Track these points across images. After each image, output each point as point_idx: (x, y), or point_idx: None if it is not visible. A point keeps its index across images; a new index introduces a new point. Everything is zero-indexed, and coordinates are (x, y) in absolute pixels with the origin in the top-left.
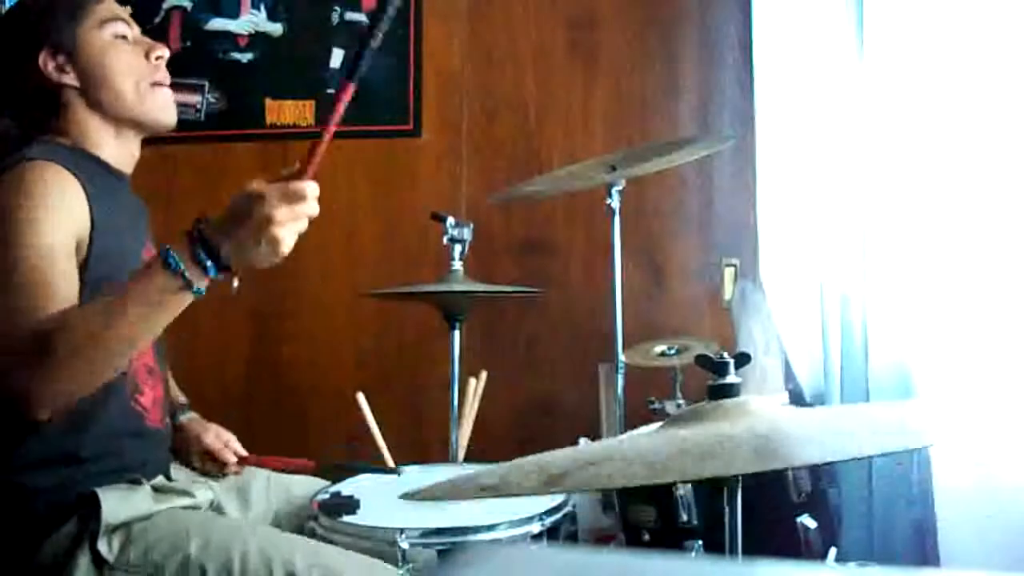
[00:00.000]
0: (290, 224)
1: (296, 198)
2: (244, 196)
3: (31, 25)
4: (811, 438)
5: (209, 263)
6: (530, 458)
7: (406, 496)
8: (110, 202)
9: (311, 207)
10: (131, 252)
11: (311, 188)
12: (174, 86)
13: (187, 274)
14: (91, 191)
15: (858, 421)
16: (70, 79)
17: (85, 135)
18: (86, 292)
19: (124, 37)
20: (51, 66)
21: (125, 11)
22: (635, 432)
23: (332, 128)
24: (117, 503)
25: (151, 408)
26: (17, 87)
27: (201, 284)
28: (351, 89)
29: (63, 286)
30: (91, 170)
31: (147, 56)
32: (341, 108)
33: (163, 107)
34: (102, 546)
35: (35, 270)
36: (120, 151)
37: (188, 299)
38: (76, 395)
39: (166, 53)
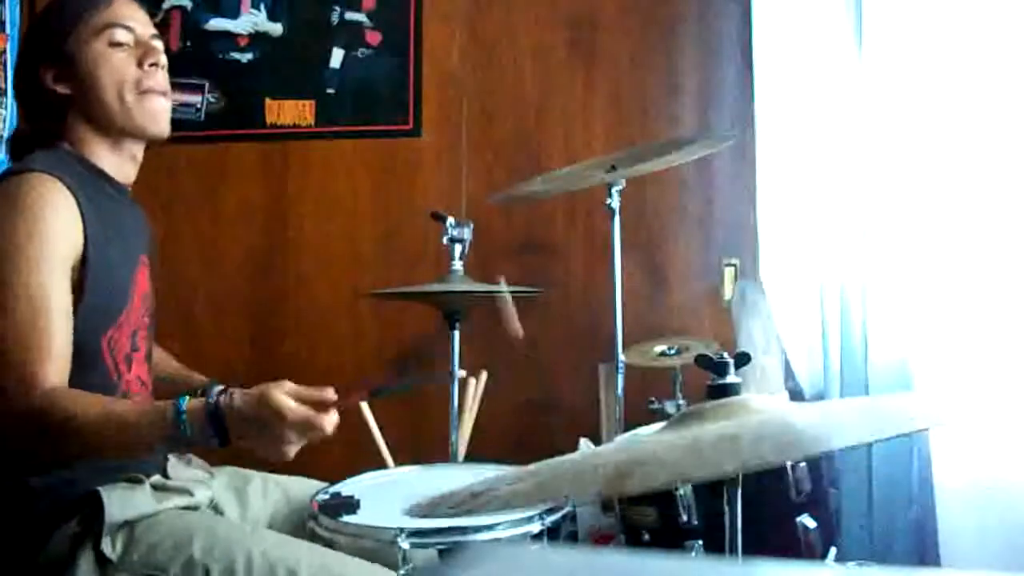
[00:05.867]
0: (299, 444)
1: (313, 431)
2: (270, 407)
3: (37, 36)
4: (825, 427)
5: (215, 441)
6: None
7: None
8: (106, 217)
9: (325, 435)
10: (122, 269)
11: (330, 423)
12: (174, 86)
13: (192, 440)
14: (86, 207)
15: (861, 409)
16: (66, 90)
17: (85, 145)
18: (79, 313)
19: (121, 44)
20: (50, 77)
21: (135, 11)
22: (636, 433)
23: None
24: (120, 502)
25: None
26: (28, 97)
27: (200, 445)
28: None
29: (57, 338)
30: (90, 182)
31: (140, 63)
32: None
33: (152, 116)
34: (105, 546)
35: (29, 316)
36: (119, 160)
37: (184, 450)
38: (43, 459)
39: (161, 60)
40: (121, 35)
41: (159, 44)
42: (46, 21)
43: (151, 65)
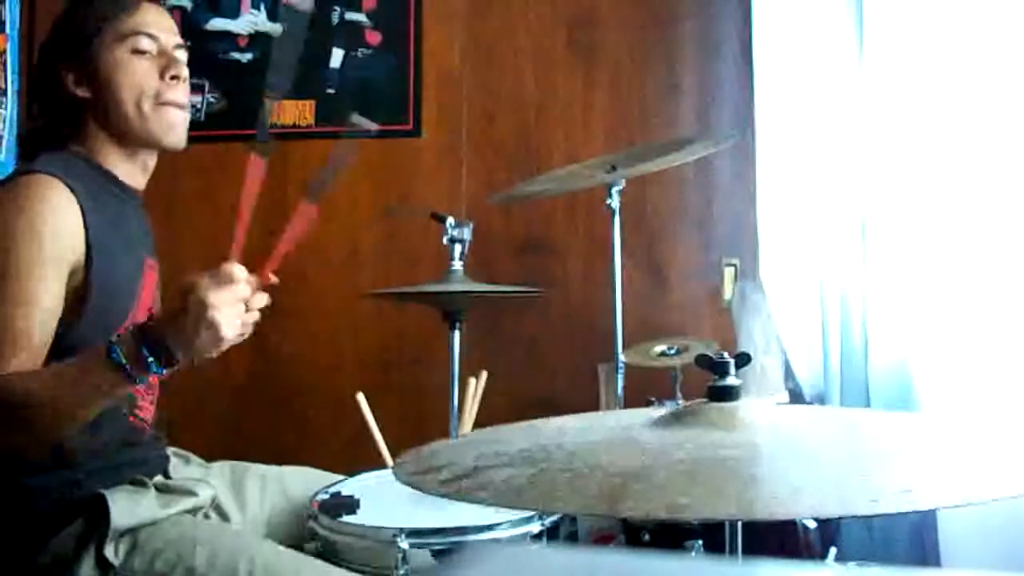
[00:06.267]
0: (226, 308)
1: (224, 280)
2: (180, 288)
3: (60, 36)
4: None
5: (151, 359)
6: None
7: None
8: (111, 219)
9: (243, 289)
10: (128, 271)
11: (238, 270)
12: None
13: (129, 369)
14: (89, 208)
15: (856, 461)
16: (85, 93)
17: (98, 149)
18: (85, 315)
19: (144, 52)
20: (70, 79)
21: (162, 19)
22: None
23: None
24: (125, 507)
25: (149, 420)
26: (46, 96)
27: (145, 376)
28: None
29: (35, 337)
30: (97, 185)
31: (162, 74)
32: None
33: (168, 128)
34: (109, 551)
35: (15, 314)
36: (131, 168)
37: (131, 386)
38: (23, 451)
39: (183, 72)
40: (145, 43)
41: (183, 56)
42: (70, 21)
43: (172, 78)
